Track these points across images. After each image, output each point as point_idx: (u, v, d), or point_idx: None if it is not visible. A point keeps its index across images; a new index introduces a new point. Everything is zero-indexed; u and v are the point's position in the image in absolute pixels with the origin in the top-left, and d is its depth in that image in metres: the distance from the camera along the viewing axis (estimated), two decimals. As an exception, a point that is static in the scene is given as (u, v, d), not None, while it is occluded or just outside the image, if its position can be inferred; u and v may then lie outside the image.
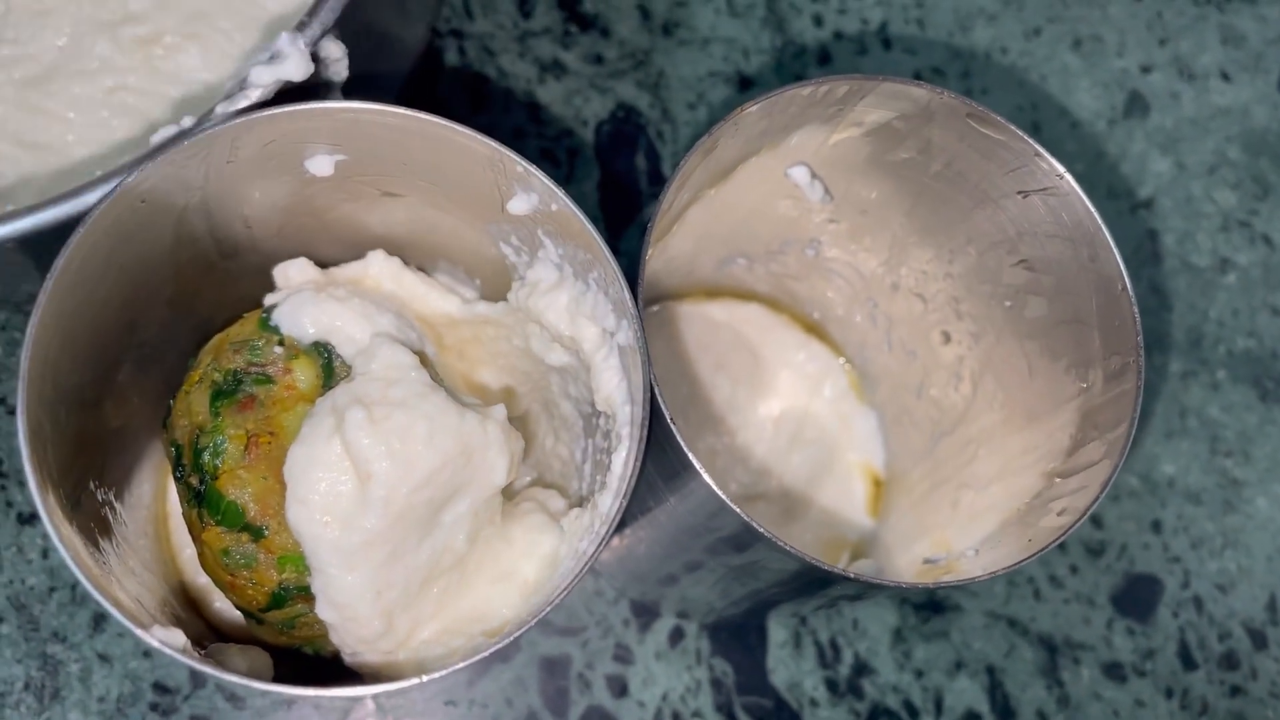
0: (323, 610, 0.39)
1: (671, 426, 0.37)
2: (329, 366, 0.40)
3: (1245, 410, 0.67)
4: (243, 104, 0.39)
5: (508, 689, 0.56)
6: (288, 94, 0.40)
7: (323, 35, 0.41)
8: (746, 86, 0.67)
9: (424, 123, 0.38)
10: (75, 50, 0.52)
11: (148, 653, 0.53)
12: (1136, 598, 0.62)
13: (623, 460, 0.39)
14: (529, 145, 0.65)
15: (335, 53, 0.41)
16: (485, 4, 0.66)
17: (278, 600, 0.39)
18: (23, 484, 0.54)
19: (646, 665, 0.57)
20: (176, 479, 0.40)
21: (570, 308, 0.42)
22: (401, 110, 0.38)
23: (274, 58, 0.40)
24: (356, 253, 0.48)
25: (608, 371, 0.41)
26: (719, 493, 0.38)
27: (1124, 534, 0.63)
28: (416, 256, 0.48)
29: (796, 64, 0.68)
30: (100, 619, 0.53)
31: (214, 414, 0.39)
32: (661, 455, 0.41)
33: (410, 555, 0.39)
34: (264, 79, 0.40)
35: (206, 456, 0.39)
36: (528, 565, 0.42)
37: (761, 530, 0.38)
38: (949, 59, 0.70)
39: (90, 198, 0.38)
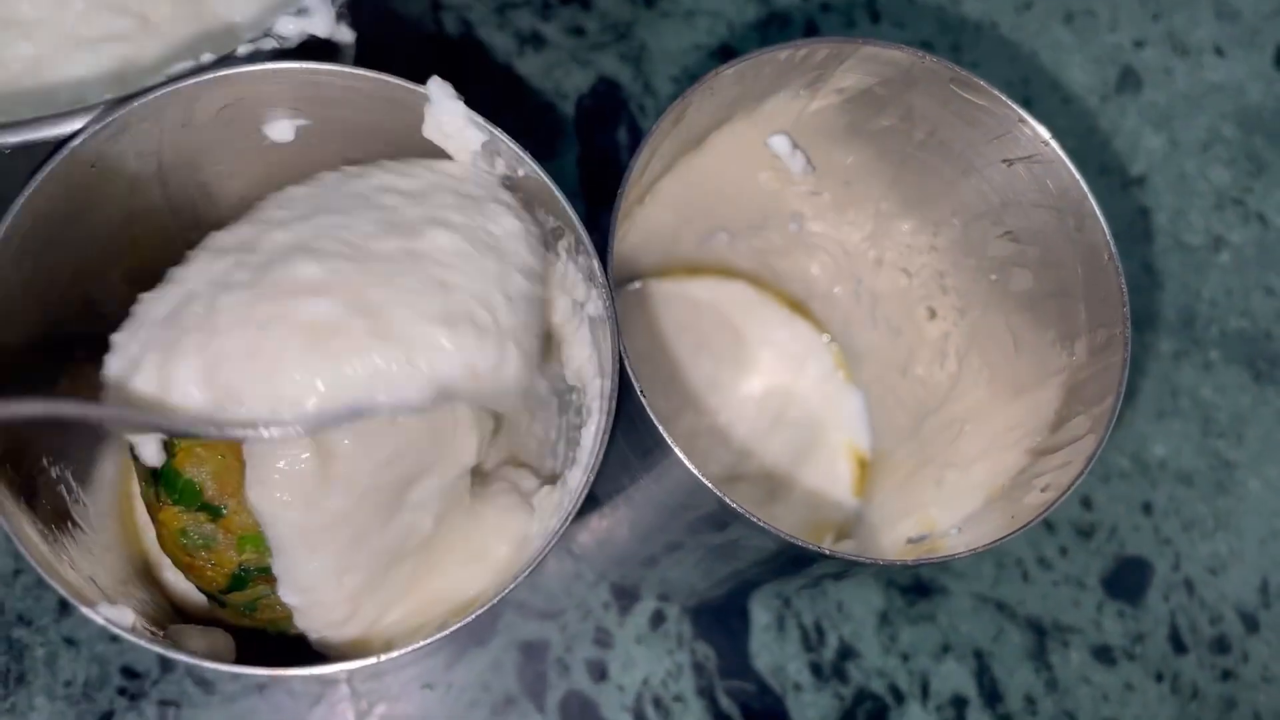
0: (286, 594, 0.38)
1: (642, 400, 0.36)
2: None
3: (1238, 391, 0.66)
4: (266, 49, 0.38)
5: (485, 673, 0.55)
6: (306, 51, 0.39)
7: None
8: (730, 59, 0.66)
9: (386, 85, 0.37)
10: None
11: (115, 637, 0.52)
12: (1127, 580, 0.61)
13: (591, 434, 0.37)
14: (507, 119, 0.63)
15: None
16: (464, -25, 0.65)
17: (238, 582, 0.38)
18: (-13, 464, 0.53)
19: (627, 649, 0.56)
20: (133, 458, 0.39)
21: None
22: (362, 71, 0.36)
23: (301, 11, 0.39)
24: None
25: (578, 344, 0.40)
26: (693, 470, 0.37)
27: (1114, 516, 0.62)
28: None
29: (782, 36, 0.67)
30: (66, 603, 0.52)
31: None
32: (634, 432, 0.40)
33: (375, 536, 0.38)
34: (289, 30, 0.38)
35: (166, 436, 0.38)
36: (499, 545, 0.41)
37: (736, 508, 0.37)
38: (939, 31, 0.69)
39: (63, 128, 0.36)
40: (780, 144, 0.47)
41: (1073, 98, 0.70)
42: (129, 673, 0.52)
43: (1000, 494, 0.43)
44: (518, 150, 0.37)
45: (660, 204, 0.49)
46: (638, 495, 0.46)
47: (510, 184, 0.39)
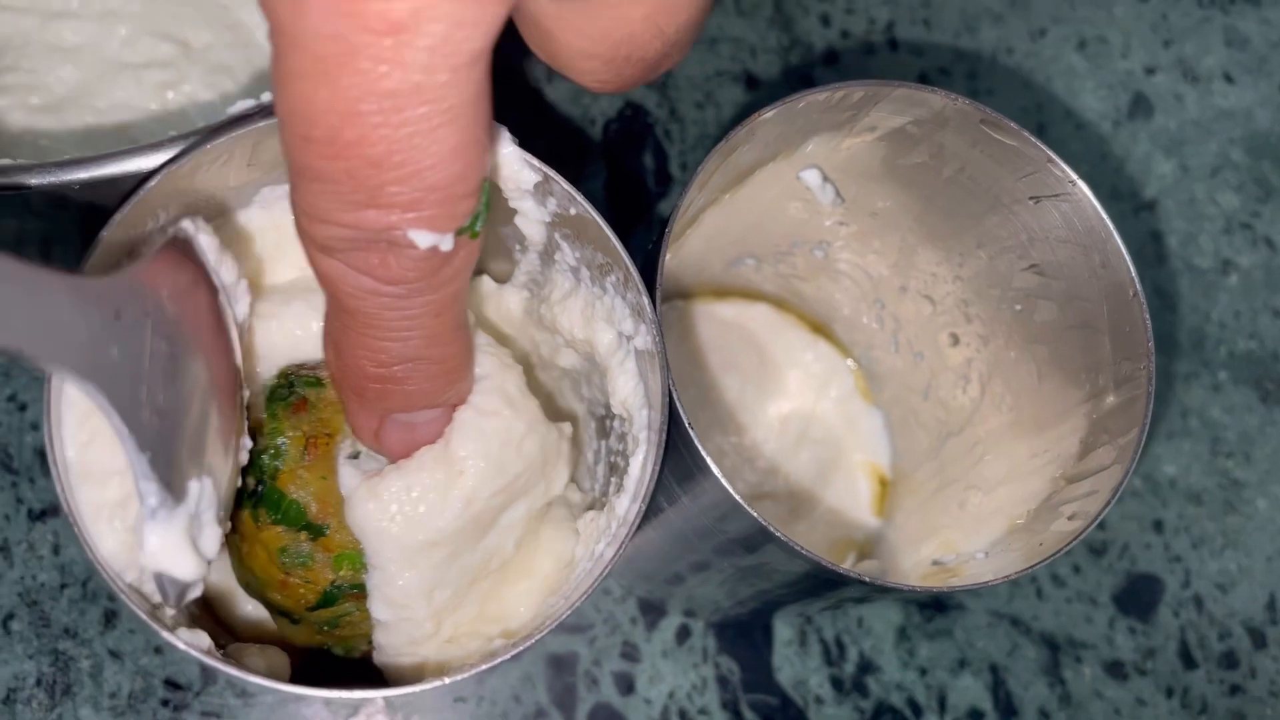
0: (377, 609, 0.39)
1: (690, 431, 0.38)
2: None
3: (1246, 411, 0.67)
4: None
5: (516, 685, 0.56)
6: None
7: None
8: (754, 86, 0.68)
9: None
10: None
11: (159, 649, 0.54)
12: (1138, 597, 0.63)
13: (640, 463, 0.39)
14: (537, 144, 0.64)
15: None
16: None
17: (328, 599, 0.39)
18: (33, 480, 0.55)
19: (653, 663, 0.58)
20: None
21: (585, 312, 0.42)
22: None
23: None
24: None
25: (624, 375, 0.41)
26: (734, 495, 0.38)
27: (1126, 533, 0.64)
28: None
29: (803, 64, 0.69)
30: (111, 615, 0.53)
31: (271, 416, 0.39)
32: (675, 456, 0.41)
33: (467, 555, 0.39)
34: None
35: (266, 458, 0.39)
36: (546, 562, 0.43)
37: (777, 533, 0.38)
38: (955, 60, 0.71)
39: (133, 165, 0.38)
40: (812, 177, 0.48)
41: (1085, 124, 0.71)
42: (172, 685, 0.53)
43: (1025, 520, 0.44)
44: (570, 190, 0.39)
45: (697, 235, 0.50)
46: (672, 515, 0.48)
47: (561, 220, 0.40)
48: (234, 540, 0.40)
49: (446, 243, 0.29)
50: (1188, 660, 0.62)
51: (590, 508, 0.44)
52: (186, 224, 0.35)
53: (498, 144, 0.38)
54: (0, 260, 0.27)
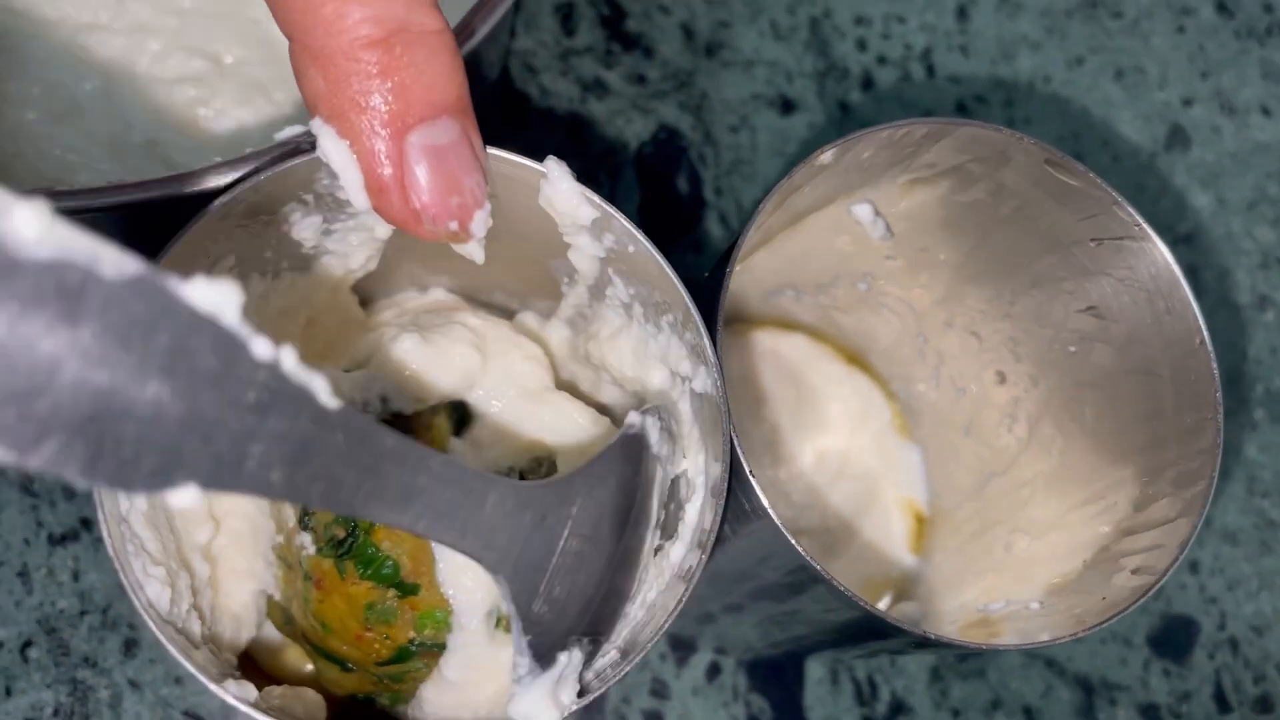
0: (451, 669, 0.38)
1: (750, 478, 0.36)
2: (461, 419, 0.40)
3: (1282, 450, 0.66)
4: None
5: (543, 722, 0.55)
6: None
7: None
8: (789, 110, 0.67)
9: (506, 162, 0.37)
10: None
11: (179, 679, 0.52)
12: (1173, 639, 0.62)
13: (698, 510, 0.38)
14: (570, 165, 0.63)
15: None
16: (528, 20, 0.65)
17: (402, 655, 0.38)
18: (54, 504, 0.53)
19: (683, 701, 0.56)
20: (302, 526, 0.39)
21: (637, 350, 0.41)
22: (488, 150, 0.36)
23: None
24: (409, 281, 0.47)
25: (679, 415, 0.40)
26: (788, 535, 0.37)
27: (1161, 574, 0.63)
28: (468, 287, 0.47)
29: (839, 88, 0.68)
30: (131, 644, 0.52)
31: None
32: (730, 495, 0.40)
33: None
34: None
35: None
36: None
37: (826, 577, 0.37)
38: (992, 87, 0.70)
39: (193, 187, 0.36)
40: (864, 211, 0.47)
41: (1122, 154, 0.70)
42: (193, 717, 0.52)
43: (1083, 570, 0.43)
44: (630, 227, 0.38)
45: (743, 269, 0.49)
46: (711, 554, 0.46)
47: (617, 257, 0.39)
48: (302, 585, 0.39)
49: None
50: (1222, 704, 0.61)
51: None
52: (635, 418, 0.37)
53: (558, 179, 0.37)
54: (452, 466, 0.29)
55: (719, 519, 0.36)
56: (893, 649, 0.49)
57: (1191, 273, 0.70)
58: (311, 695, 0.40)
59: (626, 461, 0.36)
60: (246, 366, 0.22)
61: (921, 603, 0.54)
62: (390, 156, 0.32)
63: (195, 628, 0.36)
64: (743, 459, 0.36)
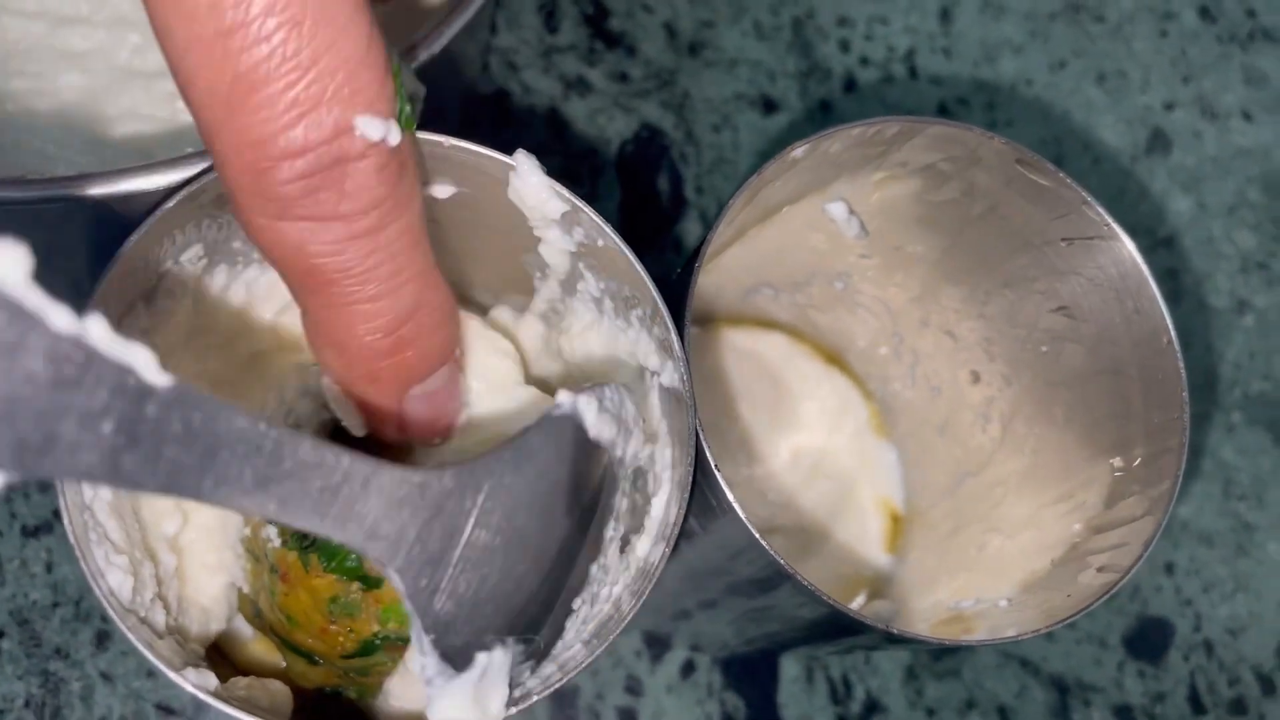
0: (416, 663, 0.38)
1: (716, 472, 0.36)
2: None
3: (1259, 454, 0.67)
4: None
5: (517, 718, 0.55)
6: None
7: (428, 62, 0.40)
8: (771, 110, 0.67)
9: (475, 154, 0.37)
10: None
11: (151, 673, 0.52)
12: (1148, 640, 0.62)
13: (663, 504, 0.38)
14: (551, 163, 0.63)
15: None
16: (510, 17, 0.65)
17: (367, 649, 0.38)
18: (28, 495, 0.53)
19: (657, 698, 0.56)
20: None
21: (607, 345, 0.41)
22: (456, 142, 0.37)
23: None
24: None
25: (647, 409, 0.40)
26: (756, 534, 0.37)
27: (1137, 575, 0.63)
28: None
29: (822, 89, 0.68)
30: (103, 636, 0.52)
31: None
32: (696, 493, 0.40)
33: None
34: None
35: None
36: None
37: (794, 575, 0.37)
38: (974, 89, 0.70)
39: (151, 181, 0.36)
40: (838, 210, 0.47)
41: (1103, 158, 0.71)
42: (165, 710, 0.52)
43: (1050, 569, 0.43)
44: (599, 221, 0.38)
45: (716, 267, 0.49)
46: (683, 550, 0.47)
47: (587, 251, 0.39)
48: (268, 579, 0.39)
49: (393, 134, 0.29)
50: (1197, 705, 0.61)
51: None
52: (564, 397, 0.34)
53: (527, 172, 0.37)
54: (324, 450, 0.27)
55: (683, 512, 0.36)
56: (866, 645, 0.49)
57: (1171, 276, 0.70)
58: (278, 687, 0.40)
59: (550, 446, 0.34)
60: (44, 338, 0.20)
61: (895, 601, 0.54)
62: (390, 411, 0.36)
63: (160, 618, 0.36)
64: (709, 455, 0.37)
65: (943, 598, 0.49)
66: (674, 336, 0.37)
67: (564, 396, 0.34)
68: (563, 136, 0.64)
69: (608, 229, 0.38)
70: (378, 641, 0.38)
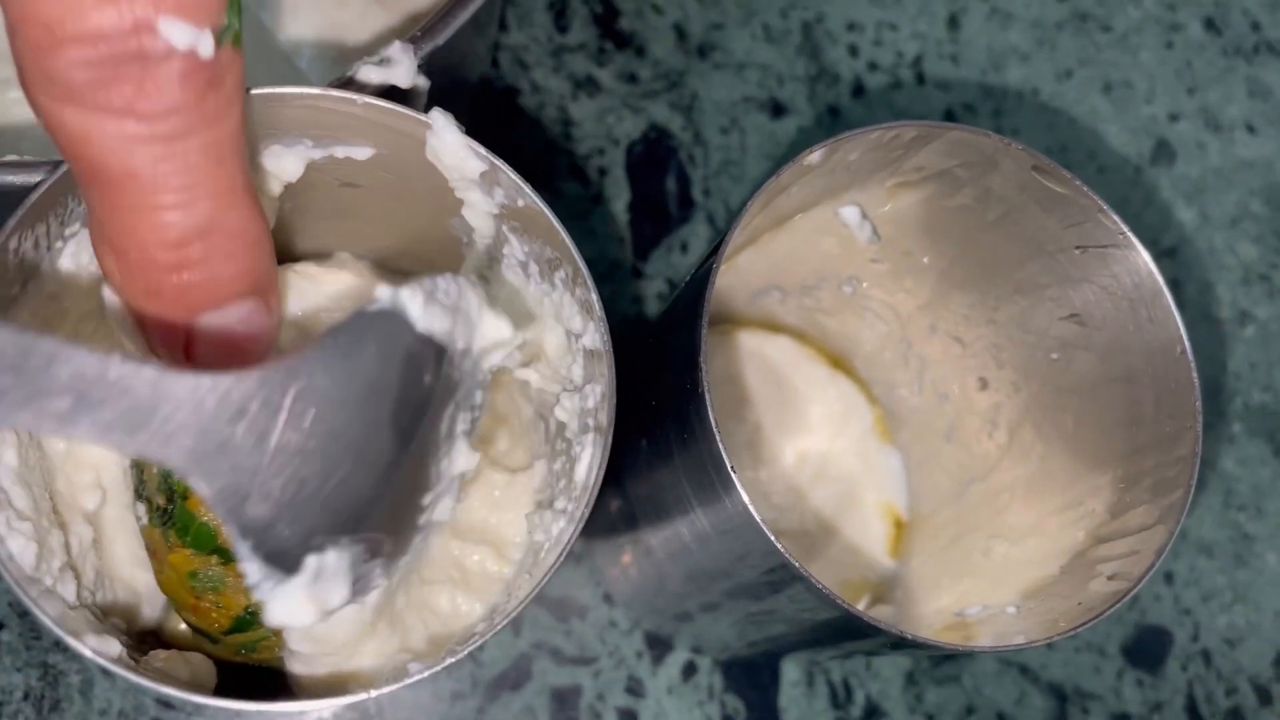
0: (294, 640, 0.37)
1: (733, 476, 0.36)
2: None
3: (1259, 465, 0.67)
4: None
5: (518, 718, 0.55)
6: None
7: (431, 52, 0.40)
8: (780, 113, 0.67)
9: (392, 113, 0.37)
10: None
11: (152, 666, 0.52)
12: (1147, 649, 0.62)
13: (585, 467, 0.37)
14: (560, 161, 0.64)
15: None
16: (521, 16, 0.65)
17: (241, 624, 0.38)
18: (30, 486, 0.53)
19: (658, 699, 0.56)
20: (137, 495, 0.39)
21: (534, 309, 0.41)
22: (370, 100, 0.36)
23: (384, 62, 0.39)
24: (312, 246, 0.46)
25: (573, 377, 0.40)
26: (769, 535, 0.37)
27: (1137, 584, 0.63)
28: (373, 252, 0.47)
29: (830, 93, 0.68)
30: (104, 629, 0.52)
31: None
32: (708, 486, 0.40)
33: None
34: (372, 79, 0.39)
35: (176, 477, 0.37)
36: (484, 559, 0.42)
37: (805, 575, 0.37)
38: (981, 96, 0.70)
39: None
40: (851, 214, 0.47)
41: (1108, 167, 0.71)
42: (164, 704, 0.52)
43: (1058, 576, 0.43)
44: (517, 180, 0.37)
45: (728, 269, 0.49)
46: (689, 549, 0.46)
47: (509, 213, 0.39)
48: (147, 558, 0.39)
49: (206, 45, 0.28)
50: (1194, 715, 0.62)
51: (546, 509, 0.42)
52: (383, 292, 0.32)
53: (443, 130, 0.37)
54: (107, 361, 0.25)
55: (602, 472, 0.36)
56: (868, 650, 0.49)
57: (1174, 286, 0.70)
58: (199, 659, 0.39)
59: (368, 343, 0.31)
60: None
61: (898, 607, 0.54)
62: (173, 335, 0.32)
63: (69, 588, 0.36)
64: (725, 457, 0.37)
65: (946, 604, 0.49)
66: (594, 296, 0.37)
67: (382, 290, 0.32)
68: (571, 136, 0.64)
69: (526, 188, 0.37)
70: (248, 615, 0.37)
